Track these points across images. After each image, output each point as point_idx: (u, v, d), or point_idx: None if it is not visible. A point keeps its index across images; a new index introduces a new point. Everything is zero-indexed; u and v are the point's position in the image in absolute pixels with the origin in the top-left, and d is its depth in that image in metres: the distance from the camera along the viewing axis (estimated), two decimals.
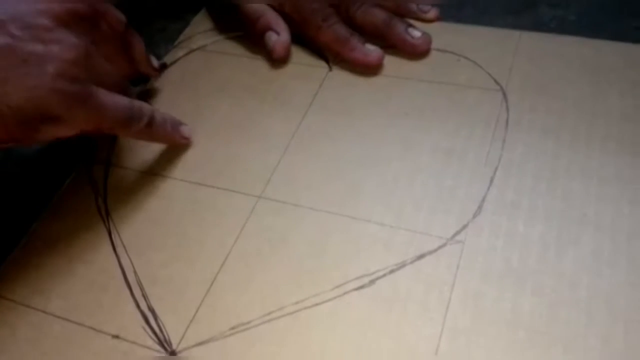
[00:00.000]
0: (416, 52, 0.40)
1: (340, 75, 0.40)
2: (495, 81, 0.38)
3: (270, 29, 0.41)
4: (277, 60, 0.41)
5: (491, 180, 0.32)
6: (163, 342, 0.28)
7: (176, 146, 0.37)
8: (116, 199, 0.35)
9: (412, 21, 0.41)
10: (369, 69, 0.40)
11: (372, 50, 0.40)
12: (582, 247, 0.29)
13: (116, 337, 0.29)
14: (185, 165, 0.36)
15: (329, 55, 0.41)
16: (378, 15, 0.41)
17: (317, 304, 0.29)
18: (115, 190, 0.35)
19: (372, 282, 0.29)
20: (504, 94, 0.37)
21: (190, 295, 0.30)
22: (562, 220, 0.30)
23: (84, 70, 0.29)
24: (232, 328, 0.28)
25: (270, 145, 0.36)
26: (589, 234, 0.29)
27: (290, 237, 0.32)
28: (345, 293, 0.29)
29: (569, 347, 0.26)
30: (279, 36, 0.41)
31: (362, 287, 0.29)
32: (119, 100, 0.31)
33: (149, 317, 0.29)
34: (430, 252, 0.30)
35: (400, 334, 0.27)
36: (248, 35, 0.43)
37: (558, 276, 0.28)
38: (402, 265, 0.30)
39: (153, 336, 0.28)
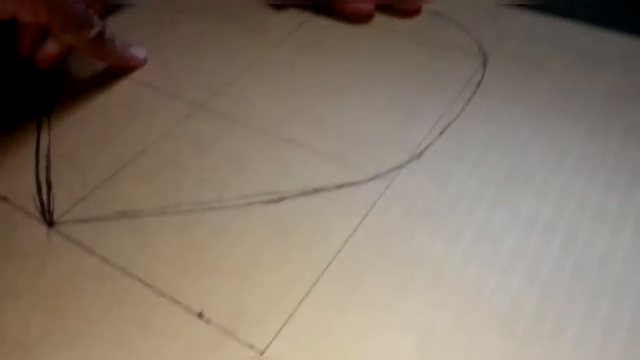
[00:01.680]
0: (410, 8, 0.38)
1: (323, 20, 0.39)
2: (479, 48, 0.35)
3: None
4: None
5: (442, 132, 0.30)
6: (45, 212, 0.26)
7: (126, 67, 0.34)
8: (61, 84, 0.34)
9: None
10: (359, 18, 0.38)
11: (363, 1, 0.38)
12: (517, 208, 0.26)
13: (3, 198, 0.27)
14: (143, 69, 0.35)
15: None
16: None
17: (215, 209, 0.26)
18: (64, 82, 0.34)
19: (280, 199, 0.26)
20: (485, 61, 0.34)
21: (91, 175, 0.28)
22: (504, 181, 0.27)
23: None
24: (120, 213, 0.26)
25: (230, 64, 0.35)
26: (530, 199, 0.26)
27: (214, 145, 0.29)
28: (249, 204, 0.26)
29: (468, 300, 0.23)
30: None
31: (268, 202, 0.26)
32: (77, 3, 0.30)
33: (43, 187, 0.27)
34: (352, 184, 0.27)
35: (288, 253, 0.24)
36: None
37: (481, 230, 0.25)
38: (319, 190, 0.27)
39: (38, 205, 0.27)
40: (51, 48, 0.31)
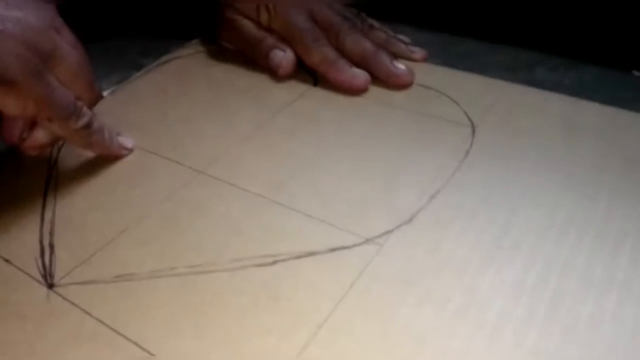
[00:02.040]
0: (398, 83, 0.40)
1: (322, 92, 0.41)
2: (469, 118, 0.37)
3: (275, 47, 0.41)
4: (282, 77, 0.41)
5: (431, 197, 0.31)
6: (46, 275, 0.27)
7: (112, 157, 0.35)
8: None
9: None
10: (354, 92, 0.40)
11: (359, 74, 0.40)
12: (504, 273, 0.26)
13: (7, 261, 0.28)
14: (149, 135, 0.37)
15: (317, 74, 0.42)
16: (366, 45, 0.41)
17: (209, 272, 0.27)
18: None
19: (274, 262, 0.27)
20: (473, 130, 0.36)
21: (92, 240, 0.29)
22: (491, 247, 0.28)
23: (47, 47, 0.29)
24: (117, 276, 0.27)
25: (233, 131, 0.37)
26: (516, 264, 0.27)
27: (212, 209, 0.31)
28: (242, 267, 0.27)
29: None
30: (285, 53, 0.41)
31: (262, 265, 0.27)
32: (67, 92, 0.31)
33: (46, 251, 0.28)
34: (343, 248, 0.28)
35: (278, 319, 0.25)
36: (246, 57, 0.43)
37: (467, 294, 0.25)
38: (310, 254, 0.28)
39: (41, 268, 0.28)
40: (40, 136, 0.32)
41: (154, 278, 0.27)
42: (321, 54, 0.41)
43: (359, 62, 0.41)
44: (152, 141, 0.36)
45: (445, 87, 0.40)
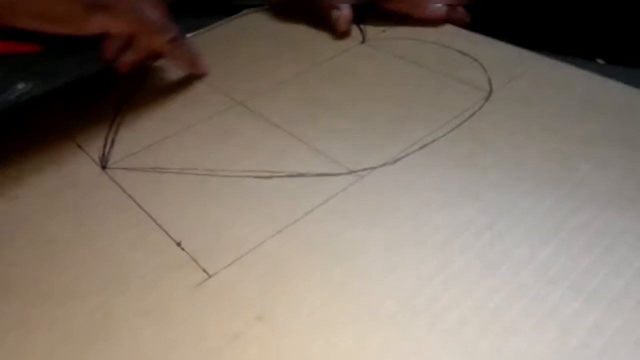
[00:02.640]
0: (460, 24, 0.47)
1: (365, 49, 0.45)
2: (490, 85, 0.39)
3: (334, 7, 0.46)
4: (341, 33, 0.46)
5: (422, 146, 0.34)
6: (103, 159, 0.35)
7: (194, 74, 0.42)
8: None
9: None
10: (437, 23, 0.46)
11: (440, 7, 0.46)
12: (459, 216, 0.30)
13: (79, 146, 0.37)
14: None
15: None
16: None
17: (220, 176, 0.34)
18: None
19: (270, 177, 0.33)
20: (488, 96, 0.38)
21: (143, 142, 0.37)
22: (458, 194, 0.31)
23: None
24: (152, 168, 0.34)
25: (274, 77, 0.43)
26: (469, 210, 0.30)
27: (235, 133, 0.37)
28: (245, 176, 0.33)
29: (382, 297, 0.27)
30: (341, 11, 0.46)
31: (260, 177, 0.33)
32: (154, 11, 0.38)
33: (108, 143, 0.37)
34: (327, 175, 0.33)
35: (262, 214, 0.31)
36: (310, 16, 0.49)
37: (417, 227, 0.29)
38: (302, 174, 0.33)
39: (100, 154, 0.36)
40: (131, 56, 0.40)
41: (179, 174, 0.34)
42: None
43: None
44: (210, 75, 0.43)
45: (480, 55, 0.42)
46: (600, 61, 0.43)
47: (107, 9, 0.34)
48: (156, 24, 0.38)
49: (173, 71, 0.43)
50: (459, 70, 0.41)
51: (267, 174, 0.33)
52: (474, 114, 0.37)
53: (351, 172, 0.33)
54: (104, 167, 0.35)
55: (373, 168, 0.33)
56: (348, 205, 0.31)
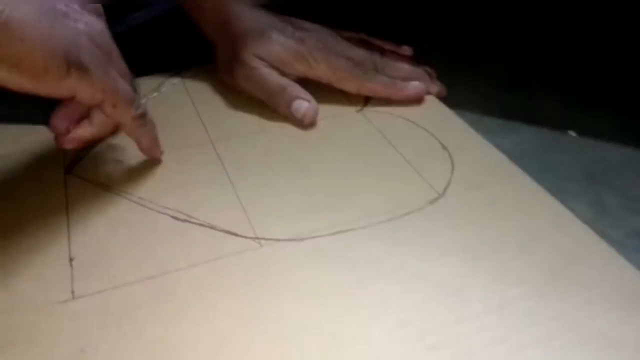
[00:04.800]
0: (439, 96, 0.48)
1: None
2: (447, 185, 0.38)
3: (299, 97, 0.44)
4: (308, 126, 0.44)
5: (339, 231, 0.34)
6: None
7: (149, 160, 0.40)
8: None
9: None
10: (420, 102, 0.47)
11: (417, 85, 0.47)
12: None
13: None
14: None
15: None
16: (404, 68, 0.48)
17: (142, 206, 0.36)
18: None
19: (184, 220, 0.35)
20: (436, 199, 0.37)
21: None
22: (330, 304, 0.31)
23: (109, 45, 0.34)
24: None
25: None
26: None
27: None
28: (163, 213, 0.36)
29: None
30: (310, 104, 0.44)
31: (176, 218, 0.35)
32: (125, 83, 0.35)
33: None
34: (233, 234, 0.34)
35: (144, 254, 0.33)
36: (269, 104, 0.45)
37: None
38: (211, 227, 0.35)
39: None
40: (85, 131, 0.37)
41: (113, 194, 0.37)
42: (379, 82, 0.46)
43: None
44: None
45: (452, 145, 0.41)
46: (572, 133, 0.44)
47: (84, 71, 0.31)
48: (127, 95, 0.35)
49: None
50: (425, 158, 0.40)
51: (183, 217, 0.35)
52: (407, 214, 0.36)
53: (256, 238, 0.34)
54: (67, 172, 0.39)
55: (277, 240, 0.34)
56: (230, 269, 0.32)
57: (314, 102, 0.45)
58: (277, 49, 0.45)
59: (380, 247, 0.33)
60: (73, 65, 0.31)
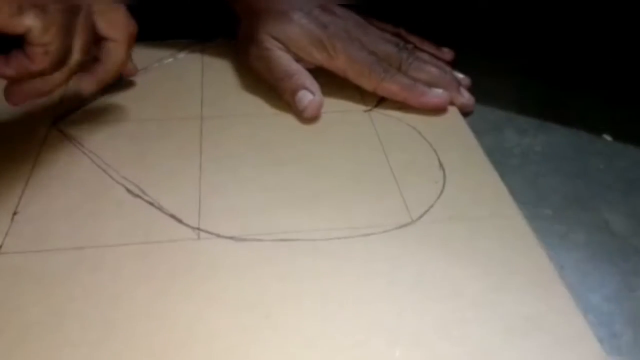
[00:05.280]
0: (464, 110, 0.43)
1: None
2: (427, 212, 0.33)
3: (305, 87, 0.41)
4: (307, 119, 0.41)
5: (286, 239, 0.31)
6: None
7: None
8: None
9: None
10: (439, 111, 0.42)
11: (440, 94, 0.42)
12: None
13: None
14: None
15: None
16: (431, 71, 0.43)
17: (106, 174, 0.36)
18: None
19: (136, 196, 0.34)
20: (407, 224, 0.33)
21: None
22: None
23: None
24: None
25: None
26: None
27: None
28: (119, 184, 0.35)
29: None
30: (315, 96, 0.41)
31: (130, 191, 0.34)
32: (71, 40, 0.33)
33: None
34: (177, 220, 0.32)
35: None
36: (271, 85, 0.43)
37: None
38: (159, 208, 0.33)
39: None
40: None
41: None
42: (398, 83, 0.42)
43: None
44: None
45: (452, 169, 0.37)
46: (607, 137, 0.41)
47: (39, 10, 0.30)
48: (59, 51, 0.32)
49: None
50: (414, 175, 0.36)
51: (137, 192, 0.34)
52: (366, 235, 0.32)
53: (197, 229, 0.32)
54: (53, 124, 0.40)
55: (217, 236, 0.32)
56: (157, 257, 0.30)
57: (319, 95, 0.41)
58: (296, 31, 0.42)
59: (321, 265, 0.30)
60: (28, 3, 0.30)
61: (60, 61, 0.33)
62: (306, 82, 0.41)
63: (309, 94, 0.41)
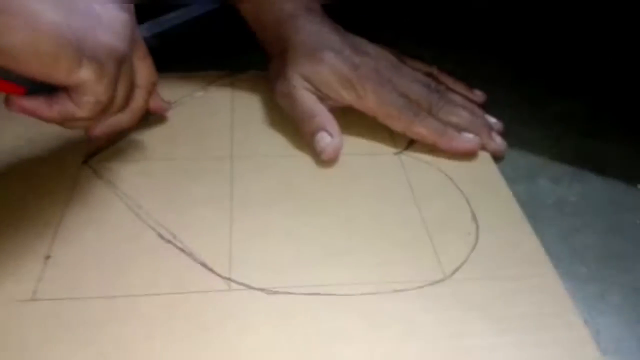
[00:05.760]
0: (496, 156, 0.42)
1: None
2: (457, 269, 0.33)
3: (324, 129, 0.41)
4: (326, 161, 0.40)
5: (316, 293, 0.31)
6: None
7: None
8: None
9: None
10: (469, 155, 0.42)
11: (471, 138, 0.42)
12: None
13: None
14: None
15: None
16: (462, 115, 0.42)
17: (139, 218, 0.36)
18: None
19: (168, 241, 0.34)
20: (439, 281, 0.32)
21: None
22: None
23: (128, 34, 0.33)
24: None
25: None
26: None
27: None
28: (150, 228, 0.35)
29: None
30: (333, 139, 0.41)
31: (161, 236, 0.34)
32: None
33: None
34: (209, 269, 0.32)
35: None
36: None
37: None
38: (189, 255, 0.33)
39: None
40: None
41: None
42: (428, 127, 0.42)
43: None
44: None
45: (486, 224, 0.36)
46: None
47: (97, 64, 0.31)
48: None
49: None
50: (446, 227, 0.36)
51: (168, 237, 0.34)
52: (400, 291, 0.32)
53: (229, 279, 0.32)
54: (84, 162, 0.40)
55: (248, 287, 0.31)
56: (188, 309, 0.30)
57: (338, 138, 0.41)
58: (325, 71, 0.42)
59: (353, 322, 0.30)
60: (86, 57, 0.30)
61: (108, 108, 0.33)
62: (326, 125, 0.41)
63: (327, 137, 0.41)
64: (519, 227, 0.36)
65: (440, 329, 0.30)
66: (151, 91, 0.38)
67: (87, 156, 0.40)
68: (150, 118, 0.42)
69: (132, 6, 0.35)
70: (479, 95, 0.47)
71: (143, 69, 0.37)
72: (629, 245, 0.36)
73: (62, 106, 0.32)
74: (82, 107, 0.32)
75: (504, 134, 0.44)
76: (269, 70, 0.46)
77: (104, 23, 0.32)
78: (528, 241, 0.35)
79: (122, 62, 0.33)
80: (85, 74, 0.30)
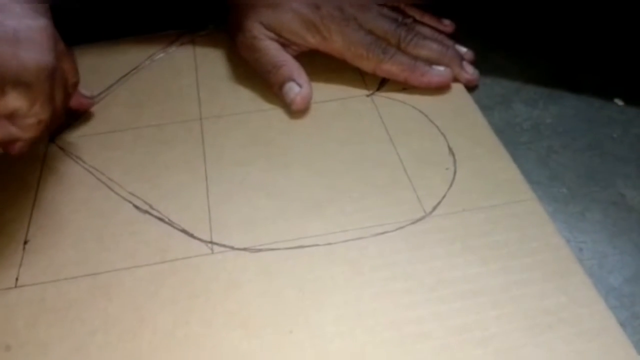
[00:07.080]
0: (469, 86, 0.42)
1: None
2: (437, 204, 0.33)
3: (292, 79, 0.40)
4: (295, 112, 0.39)
5: (300, 246, 0.31)
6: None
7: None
8: None
9: None
10: (442, 89, 0.41)
11: (442, 72, 0.41)
12: None
13: None
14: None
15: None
16: (432, 48, 0.41)
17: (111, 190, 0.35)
18: None
19: (145, 212, 0.33)
20: (421, 218, 0.32)
21: None
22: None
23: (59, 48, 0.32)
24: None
25: None
26: None
27: None
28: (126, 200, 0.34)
29: None
30: (302, 88, 0.39)
31: (138, 207, 0.34)
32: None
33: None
34: (189, 234, 0.32)
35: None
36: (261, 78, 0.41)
37: None
38: (170, 223, 0.33)
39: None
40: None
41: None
42: (397, 63, 0.40)
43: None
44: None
45: (463, 157, 0.36)
46: (618, 101, 0.40)
47: (23, 87, 0.29)
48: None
49: None
50: (424, 164, 0.35)
51: (145, 207, 0.34)
52: (382, 233, 0.32)
53: (211, 242, 0.32)
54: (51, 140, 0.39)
55: (232, 248, 0.31)
56: (172, 277, 0.30)
57: (307, 86, 0.40)
58: (287, 16, 0.40)
59: (338, 270, 0.30)
60: (9, 84, 0.28)
61: (52, 120, 0.32)
62: (294, 74, 0.40)
63: (296, 86, 0.40)
64: (497, 155, 0.36)
65: (425, 265, 0.30)
66: (71, 93, 0.36)
67: (51, 135, 0.39)
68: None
69: (46, 5, 0.32)
70: (448, 25, 0.45)
71: (64, 69, 0.33)
72: (607, 160, 0.36)
73: (6, 130, 0.30)
74: (25, 130, 0.30)
75: (476, 63, 0.43)
76: (228, 24, 0.45)
77: (22, 39, 0.29)
78: (506, 169, 0.35)
79: (54, 74, 0.30)
80: (13, 102, 0.29)
